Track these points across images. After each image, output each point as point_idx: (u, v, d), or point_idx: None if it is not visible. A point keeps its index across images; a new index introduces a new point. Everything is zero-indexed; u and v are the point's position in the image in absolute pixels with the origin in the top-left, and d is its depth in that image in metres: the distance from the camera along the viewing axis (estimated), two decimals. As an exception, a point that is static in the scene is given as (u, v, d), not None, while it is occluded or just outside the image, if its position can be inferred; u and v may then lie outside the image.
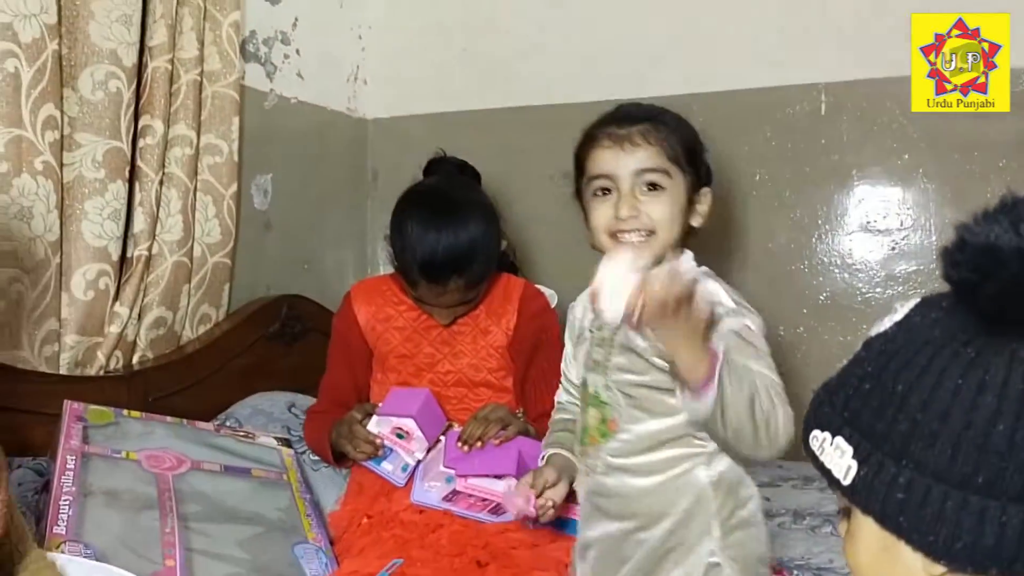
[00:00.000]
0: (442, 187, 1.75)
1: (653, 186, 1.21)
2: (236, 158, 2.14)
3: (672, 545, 1.20)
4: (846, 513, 0.75)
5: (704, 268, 1.25)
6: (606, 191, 1.24)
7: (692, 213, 1.25)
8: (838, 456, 0.72)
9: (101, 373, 1.86)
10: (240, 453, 1.76)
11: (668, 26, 2.37)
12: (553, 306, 1.88)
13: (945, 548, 0.67)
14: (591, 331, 1.31)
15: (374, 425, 1.69)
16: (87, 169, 1.80)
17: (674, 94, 2.35)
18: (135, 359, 1.96)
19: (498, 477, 1.60)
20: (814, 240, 2.30)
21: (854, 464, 0.71)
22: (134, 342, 1.95)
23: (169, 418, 1.77)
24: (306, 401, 2.05)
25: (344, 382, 1.86)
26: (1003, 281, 0.64)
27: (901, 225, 2.20)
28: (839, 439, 0.72)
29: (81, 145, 1.79)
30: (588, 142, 1.27)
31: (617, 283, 0.94)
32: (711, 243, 1.87)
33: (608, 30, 2.45)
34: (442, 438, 1.71)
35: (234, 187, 2.15)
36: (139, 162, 1.91)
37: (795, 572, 1.58)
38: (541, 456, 1.39)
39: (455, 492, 1.62)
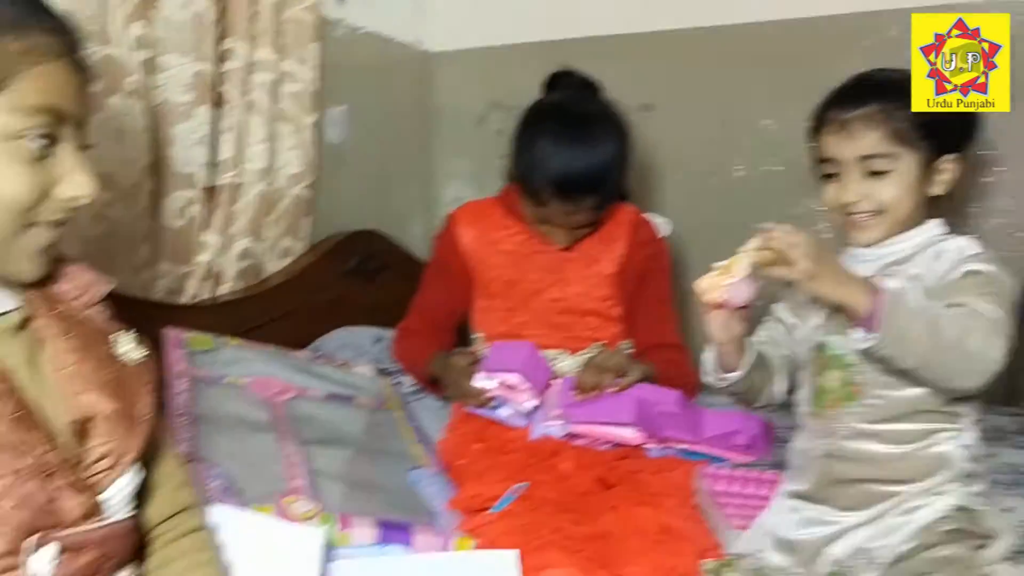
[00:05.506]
0: (572, 102, 1.67)
1: (877, 171, 1.22)
2: (316, 86, 2.07)
3: (916, 502, 1.20)
4: None
5: (948, 231, 1.25)
6: (834, 173, 1.25)
7: (929, 184, 1.23)
8: None
9: (193, 302, 1.82)
10: (341, 381, 1.72)
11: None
12: (667, 235, 1.82)
13: None
14: None
15: (481, 381, 1.62)
16: (173, 93, 1.74)
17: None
18: (221, 290, 1.91)
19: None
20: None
21: None
22: (219, 273, 1.90)
23: (269, 346, 1.73)
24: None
25: (440, 303, 1.81)
26: None
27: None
28: None
29: (168, 67, 1.73)
30: (817, 124, 1.28)
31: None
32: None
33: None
34: (556, 382, 1.65)
35: (314, 117, 2.07)
36: (224, 86, 1.85)
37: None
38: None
39: (573, 435, 1.57)
